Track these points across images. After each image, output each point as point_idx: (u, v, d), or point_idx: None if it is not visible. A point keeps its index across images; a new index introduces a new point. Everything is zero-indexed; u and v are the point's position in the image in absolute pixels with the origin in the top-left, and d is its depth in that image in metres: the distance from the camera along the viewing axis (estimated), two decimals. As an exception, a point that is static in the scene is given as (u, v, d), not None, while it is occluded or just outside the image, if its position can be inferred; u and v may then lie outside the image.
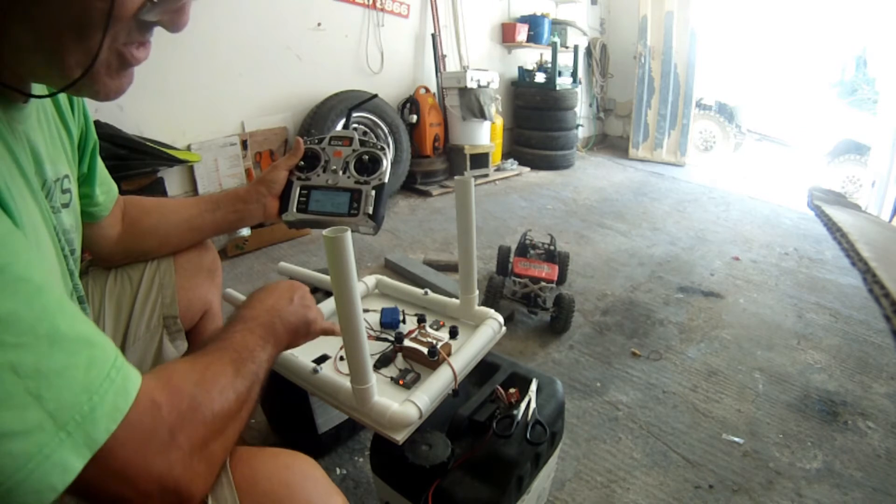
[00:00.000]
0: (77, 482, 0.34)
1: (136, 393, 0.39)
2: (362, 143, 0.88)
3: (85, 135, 0.67)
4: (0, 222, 0.35)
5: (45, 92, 0.55)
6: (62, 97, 0.60)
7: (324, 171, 0.86)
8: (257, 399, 0.53)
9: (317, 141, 0.89)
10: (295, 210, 0.85)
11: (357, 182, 0.84)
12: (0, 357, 0.31)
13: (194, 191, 2.57)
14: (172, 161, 2.31)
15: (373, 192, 0.83)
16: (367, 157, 0.86)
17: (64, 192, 0.57)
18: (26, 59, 0.42)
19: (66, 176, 0.58)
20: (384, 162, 0.85)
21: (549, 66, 4.03)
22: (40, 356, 0.33)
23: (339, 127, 0.93)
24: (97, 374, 0.36)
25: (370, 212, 0.83)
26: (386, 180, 0.85)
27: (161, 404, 0.40)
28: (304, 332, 0.65)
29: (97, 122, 2.13)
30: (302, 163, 0.88)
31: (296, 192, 0.86)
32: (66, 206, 0.57)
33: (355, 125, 2.97)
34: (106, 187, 0.74)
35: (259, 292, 0.65)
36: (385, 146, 0.88)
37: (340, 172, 0.86)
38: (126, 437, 0.37)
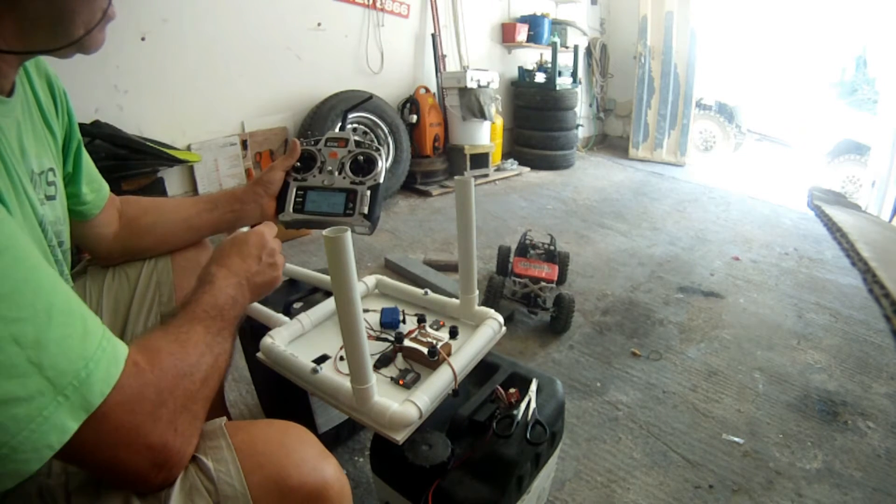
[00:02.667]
0: (73, 445, 0.37)
1: (124, 360, 0.42)
2: (358, 143, 0.89)
3: (69, 134, 0.67)
4: None
5: (28, 88, 0.57)
6: (45, 99, 0.61)
7: (320, 172, 0.87)
8: (232, 351, 0.58)
9: (313, 142, 0.90)
10: (291, 210, 0.86)
11: (353, 182, 0.85)
12: (3, 330, 0.34)
13: (194, 191, 2.57)
14: (172, 161, 2.31)
15: (368, 193, 0.84)
16: (362, 157, 0.87)
17: (49, 184, 0.58)
18: (30, 28, 0.47)
19: (51, 169, 0.59)
20: (379, 162, 0.86)
21: (549, 66, 4.03)
22: (40, 328, 0.36)
23: (336, 129, 0.94)
24: (91, 344, 0.39)
25: (365, 212, 0.83)
26: (381, 181, 0.86)
27: (144, 368, 0.43)
28: (268, 290, 0.71)
29: (97, 123, 2.13)
30: (298, 164, 0.89)
31: (292, 192, 0.87)
32: (51, 198, 0.58)
33: (355, 125, 2.97)
34: (95, 185, 0.74)
35: (228, 250, 0.68)
36: (380, 147, 0.88)
37: (336, 173, 0.86)
38: (117, 400, 0.39)
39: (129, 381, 0.41)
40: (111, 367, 0.40)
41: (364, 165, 0.86)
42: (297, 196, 0.86)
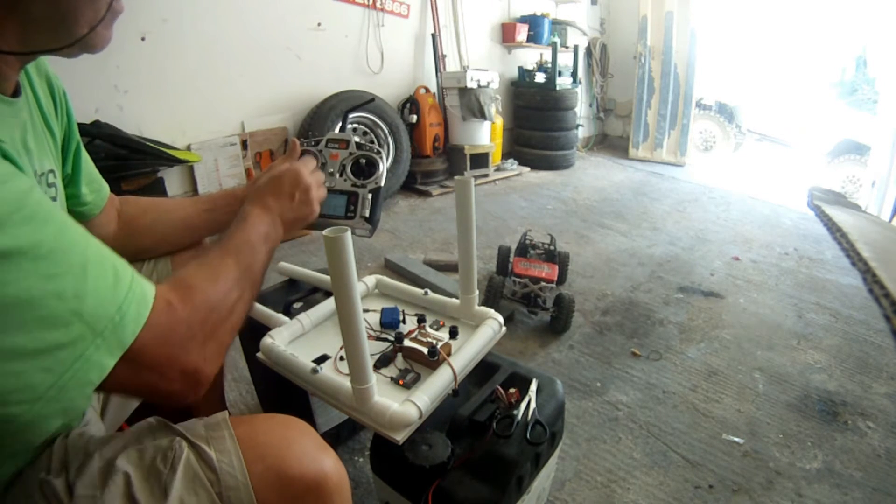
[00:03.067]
0: (112, 378, 0.42)
1: (152, 300, 0.46)
2: (359, 146, 0.88)
3: (68, 135, 0.67)
4: (23, 178, 0.40)
5: (29, 89, 0.58)
6: (45, 100, 0.62)
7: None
8: (261, 282, 0.63)
9: (314, 143, 0.89)
10: None
11: (354, 185, 0.84)
12: (46, 287, 0.38)
13: (194, 191, 2.57)
14: (172, 161, 2.31)
15: (369, 196, 0.83)
16: (363, 160, 0.86)
17: (49, 186, 0.59)
18: (33, 29, 0.48)
19: (52, 171, 0.60)
20: (381, 166, 0.85)
21: (549, 66, 4.03)
22: (77, 281, 0.40)
23: (337, 129, 0.93)
24: (122, 289, 0.43)
25: (367, 215, 0.83)
26: (382, 184, 0.85)
27: (175, 304, 0.48)
28: (302, 225, 0.75)
29: (97, 123, 2.13)
30: None
31: None
32: (52, 199, 0.58)
33: (355, 125, 2.96)
34: (96, 186, 0.74)
35: (262, 189, 0.71)
36: (381, 149, 0.88)
37: (337, 175, 0.86)
38: (149, 336, 0.44)
39: (160, 319, 0.45)
40: (141, 308, 0.44)
41: (365, 168, 0.85)
42: None
